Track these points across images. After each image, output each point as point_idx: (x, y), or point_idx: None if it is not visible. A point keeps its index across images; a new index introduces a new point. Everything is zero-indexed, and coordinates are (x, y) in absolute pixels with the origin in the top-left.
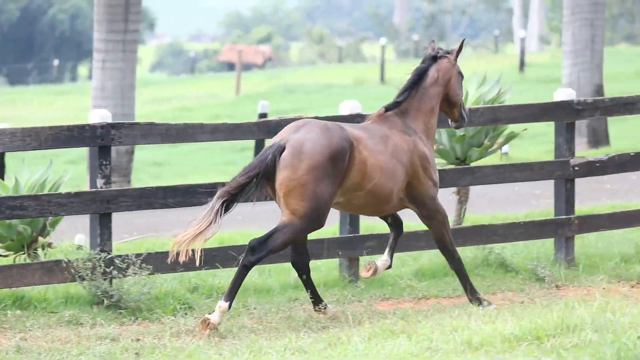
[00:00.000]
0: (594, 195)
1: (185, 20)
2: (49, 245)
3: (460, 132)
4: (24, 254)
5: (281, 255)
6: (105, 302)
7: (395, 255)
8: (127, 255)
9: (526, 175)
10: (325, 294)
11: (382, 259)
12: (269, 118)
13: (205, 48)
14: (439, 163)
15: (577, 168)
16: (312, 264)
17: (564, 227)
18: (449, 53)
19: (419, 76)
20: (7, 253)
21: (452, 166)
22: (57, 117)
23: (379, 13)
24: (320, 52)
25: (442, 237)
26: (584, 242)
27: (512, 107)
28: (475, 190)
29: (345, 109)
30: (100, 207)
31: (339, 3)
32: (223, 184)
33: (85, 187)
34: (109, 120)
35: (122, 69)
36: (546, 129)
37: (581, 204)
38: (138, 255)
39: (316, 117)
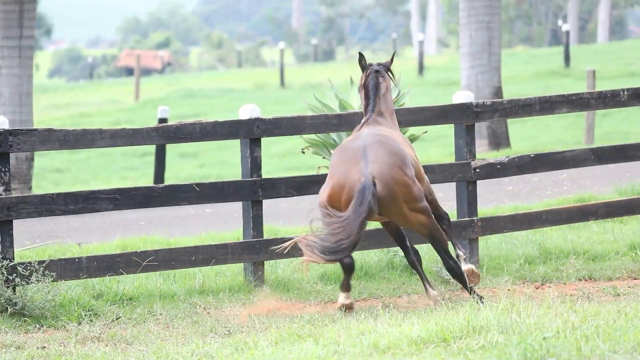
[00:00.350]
0: (496, 197)
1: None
2: None
3: None
4: None
5: (185, 261)
6: (9, 309)
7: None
8: (29, 263)
9: (428, 177)
10: (231, 299)
11: (431, 293)
12: (169, 123)
13: (104, 54)
14: None
15: (478, 170)
16: (217, 269)
17: (467, 229)
18: (384, 66)
19: (377, 87)
20: None
21: None
22: None
23: (277, 17)
24: (219, 56)
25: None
26: (488, 244)
27: (411, 110)
28: None
29: (244, 113)
30: (1, 214)
31: (237, 7)
32: (123, 190)
33: None
34: (6, 126)
35: (18, 75)
36: (447, 131)
37: (483, 206)
38: (41, 262)
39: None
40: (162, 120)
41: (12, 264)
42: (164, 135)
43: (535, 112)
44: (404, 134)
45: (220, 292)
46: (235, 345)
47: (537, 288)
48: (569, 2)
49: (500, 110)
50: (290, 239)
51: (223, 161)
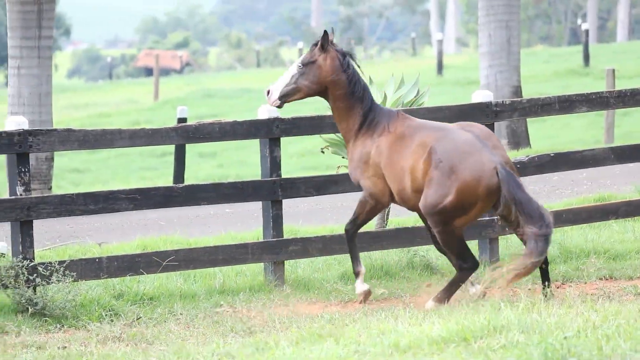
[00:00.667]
0: None
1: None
2: None
3: None
4: None
5: (205, 261)
6: (30, 310)
7: (321, 259)
8: (50, 263)
9: None
10: (251, 299)
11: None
12: (188, 123)
13: (122, 54)
14: None
15: None
16: (237, 268)
17: (487, 228)
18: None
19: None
20: None
21: None
22: None
23: (295, 17)
24: (238, 56)
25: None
26: (508, 243)
27: (430, 109)
28: None
29: (263, 113)
30: (21, 214)
31: (255, 8)
32: (143, 190)
33: (5, 194)
34: (26, 127)
35: (38, 76)
36: None
37: None
38: (61, 262)
39: (234, 121)
40: (181, 120)
41: (32, 264)
42: (183, 135)
43: (555, 112)
44: None
45: (241, 292)
46: (256, 345)
47: (558, 287)
48: (588, 1)
49: (519, 110)
50: (310, 238)
51: (242, 161)
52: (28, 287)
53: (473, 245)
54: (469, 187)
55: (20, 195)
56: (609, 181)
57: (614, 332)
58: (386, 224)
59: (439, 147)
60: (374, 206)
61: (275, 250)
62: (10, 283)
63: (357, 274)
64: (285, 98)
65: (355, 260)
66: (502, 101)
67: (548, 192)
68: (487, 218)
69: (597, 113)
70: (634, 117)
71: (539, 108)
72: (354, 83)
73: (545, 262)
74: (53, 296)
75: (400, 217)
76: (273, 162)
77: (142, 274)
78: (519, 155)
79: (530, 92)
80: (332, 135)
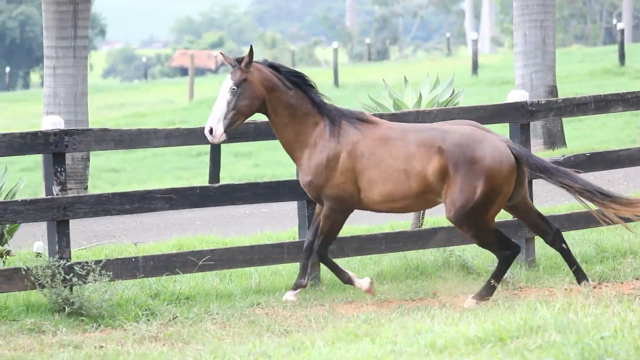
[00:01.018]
0: (551, 196)
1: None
2: (8, 253)
3: None
4: None
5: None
6: (67, 309)
7: (356, 258)
8: (86, 262)
9: None
10: None
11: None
12: None
13: (158, 53)
14: None
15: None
16: (273, 268)
17: (523, 229)
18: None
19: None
20: None
21: None
22: (10, 124)
23: (330, 17)
24: (273, 56)
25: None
26: (544, 243)
27: (465, 109)
28: None
29: None
30: (57, 214)
31: (290, 7)
32: (178, 190)
33: (41, 194)
34: (62, 126)
35: (73, 75)
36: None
37: (539, 205)
38: (98, 262)
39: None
40: None
41: (69, 263)
42: None
43: (591, 111)
44: None
45: (277, 291)
46: (292, 345)
47: (594, 287)
48: (623, 0)
49: (555, 109)
50: (344, 239)
51: (277, 161)
52: (65, 287)
53: None
54: (494, 172)
55: (57, 195)
56: None
57: None
58: (422, 224)
59: (448, 144)
60: (344, 214)
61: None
62: (47, 282)
63: (301, 286)
64: (230, 128)
65: (303, 273)
66: (538, 101)
67: None
68: None
69: (632, 112)
70: None
71: (574, 108)
72: (293, 87)
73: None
74: (89, 296)
75: (435, 216)
76: None
77: (178, 273)
78: (555, 155)
79: (565, 92)
80: None
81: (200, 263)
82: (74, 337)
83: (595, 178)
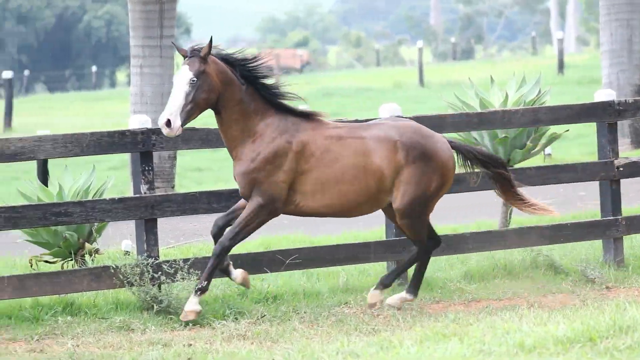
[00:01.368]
0: None
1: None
2: (96, 251)
3: (501, 134)
4: (71, 260)
5: (328, 260)
6: (155, 307)
7: (443, 257)
8: (174, 261)
9: (570, 176)
10: None
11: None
12: None
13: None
14: None
15: (621, 169)
16: (361, 267)
17: (611, 228)
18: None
19: None
20: (55, 260)
21: None
22: (97, 123)
23: (414, 16)
24: (357, 55)
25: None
26: (633, 243)
27: (553, 108)
28: None
29: (385, 112)
30: (145, 212)
31: (374, 6)
32: None
33: (129, 193)
34: (149, 125)
35: (160, 75)
36: (589, 130)
37: (627, 205)
38: (185, 260)
39: (356, 120)
40: None
41: (157, 262)
42: None
43: None
44: (544, 133)
45: (364, 290)
46: (380, 344)
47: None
48: None
49: None
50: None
51: None
52: (153, 285)
53: (598, 244)
54: (448, 166)
55: (145, 193)
56: None
57: None
58: (509, 223)
59: (405, 139)
60: (270, 215)
61: (397, 249)
62: (135, 281)
63: (201, 291)
64: (187, 121)
65: (210, 277)
66: (625, 100)
67: None
68: (611, 218)
69: None
70: None
71: None
72: (245, 82)
73: None
74: (178, 294)
75: (522, 217)
76: None
77: (266, 272)
78: None
79: None
80: (453, 135)
81: (287, 262)
82: (162, 335)
83: None
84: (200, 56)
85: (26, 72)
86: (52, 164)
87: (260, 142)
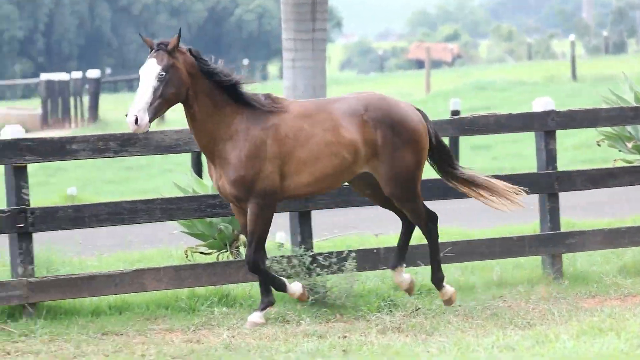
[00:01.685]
0: None
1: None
2: None
3: None
4: (226, 252)
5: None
6: (310, 299)
7: (598, 252)
8: (329, 253)
9: None
10: (530, 291)
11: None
12: (462, 115)
13: (393, 46)
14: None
15: None
16: (515, 261)
17: None
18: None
19: None
20: (210, 251)
21: None
22: None
23: (566, 9)
24: (509, 49)
25: None
26: None
27: None
28: None
29: (538, 106)
30: (299, 205)
31: (525, 0)
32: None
33: None
34: None
35: (312, 68)
36: None
37: None
38: (340, 253)
39: (510, 114)
40: (455, 113)
41: (312, 254)
42: (458, 128)
43: None
44: None
45: (518, 284)
46: (535, 338)
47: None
48: None
49: None
50: (588, 232)
51: (516, 154)
52: (308, 277)
53: None
54: (421, 134)
55: None
56: None
57: None
58: None
59: (370, 110)
60: (273, 208)
61: (552, 243)
62: (290, 272)
63: (266, 305)
64: (155, 117)
65: (269, 290)
66: None
67: None
68: None
69: None
70: None
71: None
72: (217, 74)
73: None
74: (332, 286)
75: None
76: (549, 155)
77: (420, 265)
78: None
79: None
80: (607, 129)
81: (442, 255)
82: (317, 327)
83: None
84: (167, 50)
85: None
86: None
87: (237, 138)
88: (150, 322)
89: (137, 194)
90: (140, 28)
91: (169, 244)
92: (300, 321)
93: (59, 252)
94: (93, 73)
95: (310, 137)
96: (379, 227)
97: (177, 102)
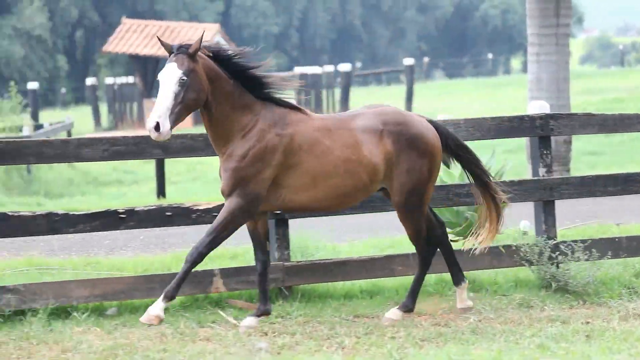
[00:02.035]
0: None
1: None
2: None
3: None
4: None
5: None
6: (553, 285)
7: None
8: (572, 241)
9: None
10: None
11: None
12: None
13: (633, 41)
14: None
15: None
16: None
17: None
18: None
19: None
20: (457, 238)
21: None
22: (493, 108)
23: None
24: None
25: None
26: None
27: None
28: None
29: None
30: (544, 194)
31: None
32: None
33: (526, 175)
34: (547, 111)
35: (556, 62)
36: None
37: None
38: (583, 242)
39: None
40: None
41: (555, 242)
42: None
43: None
44: None
45: None
46: None
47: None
48: None
49: None
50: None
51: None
52: (551, 264)
53: None
54: (435, 149)
55: (543, 176)
56: None
57: None
58: None
59: (389, 126)
60: (249, 218)
61: None
62: (534, 259)
63: (168, 298)
64: (176, 123)
65: (180, 284)
66: None
67: None
68: None
69: None
70: None
71: None
72: (234, 75)
73: None
74: (575, 273)
75: None
76: None
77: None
78: None
79: None
80: None
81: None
82: (561, 313)
83: None
84: (188, 53)
85: (425, 59)
86: None
87: (249, 137)
88: None
89: None
90: (389, 24)
91: None
92: (544, 307)
93: (313, 238)
94: (344, 67)
95: (327, 152)
96: (621, 216)
97: (196, 109)
